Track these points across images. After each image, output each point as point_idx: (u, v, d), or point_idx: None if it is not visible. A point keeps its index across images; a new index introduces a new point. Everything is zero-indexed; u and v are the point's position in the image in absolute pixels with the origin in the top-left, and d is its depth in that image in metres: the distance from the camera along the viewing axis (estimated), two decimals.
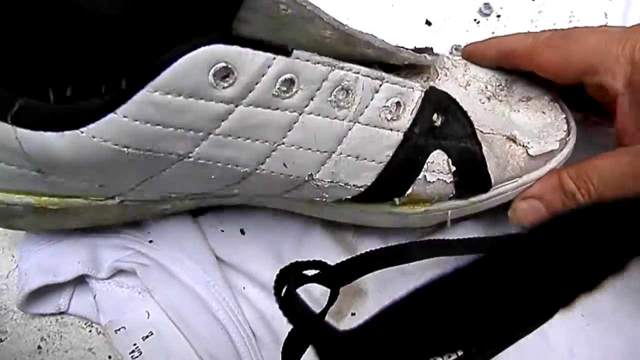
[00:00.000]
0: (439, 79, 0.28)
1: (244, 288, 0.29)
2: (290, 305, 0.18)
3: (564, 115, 0.29)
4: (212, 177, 0.22)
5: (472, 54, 0.29)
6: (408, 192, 0.25)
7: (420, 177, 0.25)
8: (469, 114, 0.26)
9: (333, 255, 0.29)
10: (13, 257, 0.30)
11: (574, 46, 0.25)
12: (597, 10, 0.38)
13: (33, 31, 0.24)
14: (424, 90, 0.24)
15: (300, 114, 0.21)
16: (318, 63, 0.21)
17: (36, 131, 0.20)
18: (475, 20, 0.38)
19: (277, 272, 0.20)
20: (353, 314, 0.30)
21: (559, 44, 0.26)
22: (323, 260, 0.23)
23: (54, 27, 0.23)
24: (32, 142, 0.20)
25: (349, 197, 0.25)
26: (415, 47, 0.30)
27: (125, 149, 0.20)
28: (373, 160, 0.24)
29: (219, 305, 0.27)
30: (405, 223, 0.29)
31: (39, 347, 0.28)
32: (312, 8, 0.20)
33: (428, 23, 0.37)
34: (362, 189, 0.25)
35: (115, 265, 0.28)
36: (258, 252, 0.30)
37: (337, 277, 0.23)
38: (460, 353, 0.14)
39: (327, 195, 0.25)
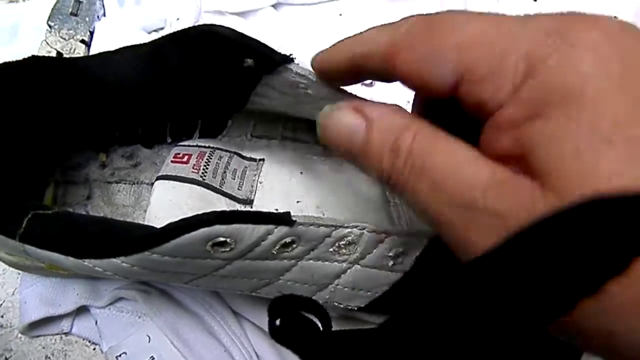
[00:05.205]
0: None
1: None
2: (284, 333, 0.17)
3: None
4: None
5: (321, 66, 0.20)
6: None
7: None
8: None
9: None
10: (19, 274, 0.30)
11: (445, 39, 0.15)
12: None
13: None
14: (430, 238, 0.23)
15: (299, 261, 0.21)
16: (321, 226, 0.20)
17: (42, 250, 0.20)
18: None
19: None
20: None
21: (423, 38, 0.16)
22: None
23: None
24: (38, 254, 0.21)
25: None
26: None
27: (119, 277, 0.21)
28: (369, 292, 0.24)
29: (221, 328, 0.27)
30: None
31: None
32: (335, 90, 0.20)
33: None
34: (354, 308, 0.25)
35: (115, 293, 0.29)
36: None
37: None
38: None
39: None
